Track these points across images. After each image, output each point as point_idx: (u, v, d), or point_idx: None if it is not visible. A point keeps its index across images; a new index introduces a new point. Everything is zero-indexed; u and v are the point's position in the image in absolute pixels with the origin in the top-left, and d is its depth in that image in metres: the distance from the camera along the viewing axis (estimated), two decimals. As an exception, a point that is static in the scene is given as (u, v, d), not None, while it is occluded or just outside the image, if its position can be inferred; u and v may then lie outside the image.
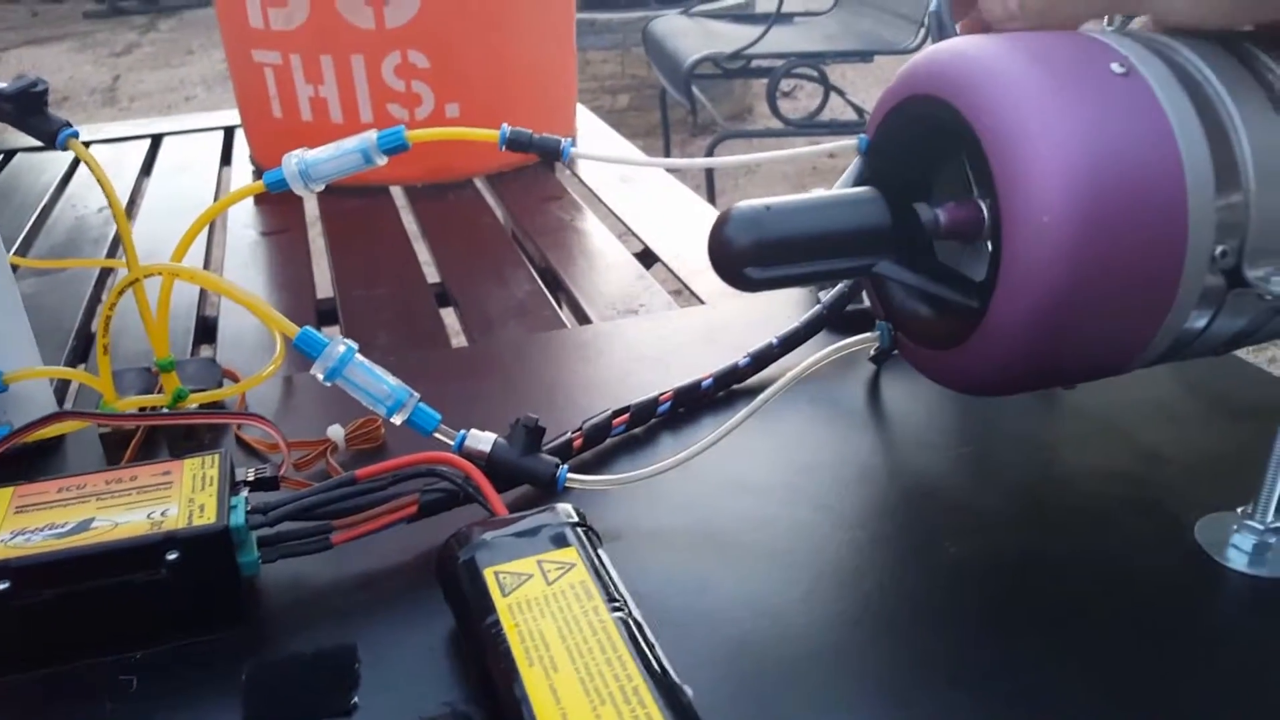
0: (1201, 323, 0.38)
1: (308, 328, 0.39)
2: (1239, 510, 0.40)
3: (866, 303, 0.56)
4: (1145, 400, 0.50)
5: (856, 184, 0.41)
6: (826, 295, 0.55)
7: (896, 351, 0.43)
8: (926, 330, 0.41)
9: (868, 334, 0.44)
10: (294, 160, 0.43)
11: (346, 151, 0.43)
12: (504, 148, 0.44)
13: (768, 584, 0.38)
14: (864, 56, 2.28)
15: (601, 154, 0.47)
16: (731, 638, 0.36)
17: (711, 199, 2.35)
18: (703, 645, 0.35)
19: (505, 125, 0.44)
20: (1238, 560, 0.39)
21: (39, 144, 0.46)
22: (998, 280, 0.35)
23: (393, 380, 0.40)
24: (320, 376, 0.39)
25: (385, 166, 0.45)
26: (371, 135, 0.43)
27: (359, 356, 0.40)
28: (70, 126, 0.46)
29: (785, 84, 2.54)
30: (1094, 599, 0.37)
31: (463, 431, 0.41)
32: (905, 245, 0.39)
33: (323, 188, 0.44)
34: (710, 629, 0.36)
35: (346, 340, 0.40)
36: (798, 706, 0.33)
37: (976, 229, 0.39)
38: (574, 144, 0.46)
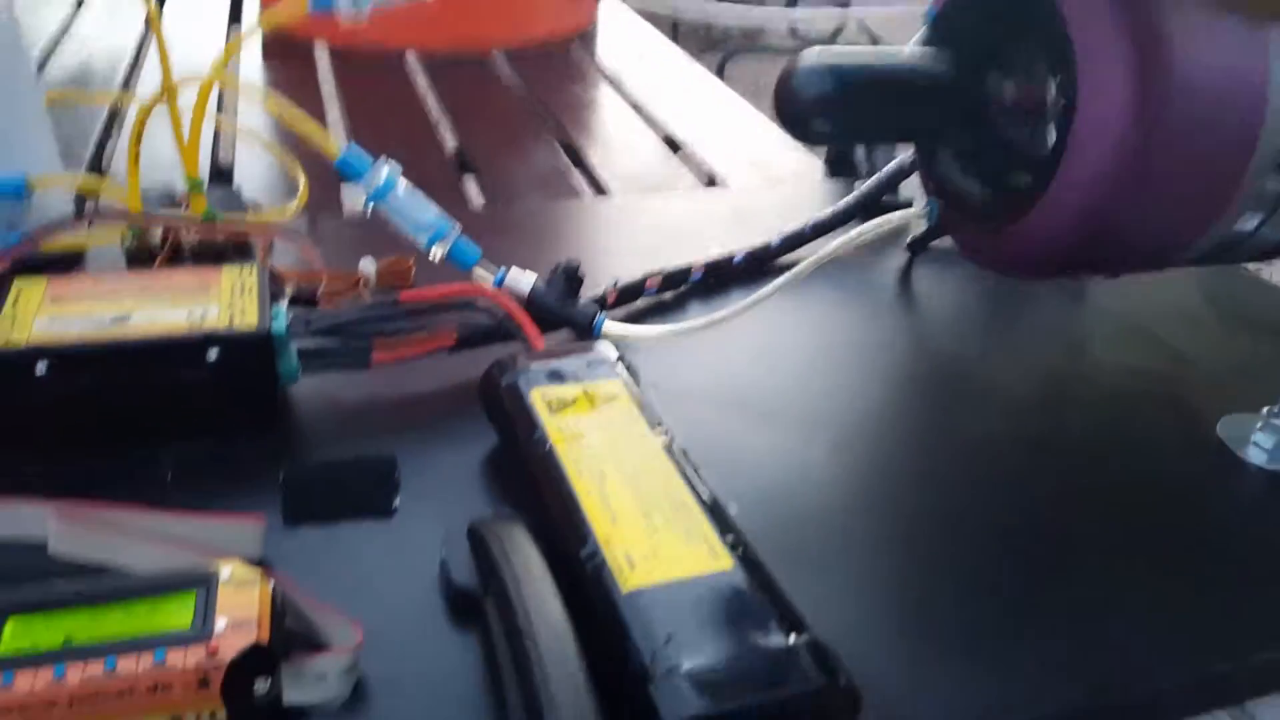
0: (1252, 225, 0.38)
1: (353, 144, 0.39)
2: (1264, 410, 0.40)
3: (901, 195, 0.56)
4: (1171, 306, 0.50)
5: (922, 52, 0.41)
6: (862, 187, 0.55)
7: (935, 240, 0.43)
8: (980, 207, 0.40)
9: (910, 209, 0.44)
10: (346, -21, 0.42)
11: (402, -28, 0.42)
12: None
13: (795, 440, 0.39)
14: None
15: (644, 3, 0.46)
16: (761, 482, 0.36)
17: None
18: (734, 486, 0.35)
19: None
20: (1258, 457, 0.39)
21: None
22: (1066, 153, 0.35)
23: (436, 209, 0.40)
24: (362, 200, 0.39)
25: (401, 32, 0.43)
26: (427, -42, 0.42)
27: (403, 181, 0.39)
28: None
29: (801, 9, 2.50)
30: (1114, 481, 0.38)
31: (503, 269, 0.41)
32: (970, 115, 0.39)
33: (368, 10, 0.42)
34: (741, 474, 0.36)
35: (391, 162, 0.39)
36: (824, 543, 0.34)
37: (1042, 106, 0.38)
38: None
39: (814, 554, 0.33)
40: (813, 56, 0.37)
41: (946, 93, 0.38)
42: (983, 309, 0.50)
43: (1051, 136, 0.38)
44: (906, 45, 0.41)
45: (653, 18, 1.12)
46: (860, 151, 0.62)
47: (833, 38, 2.30)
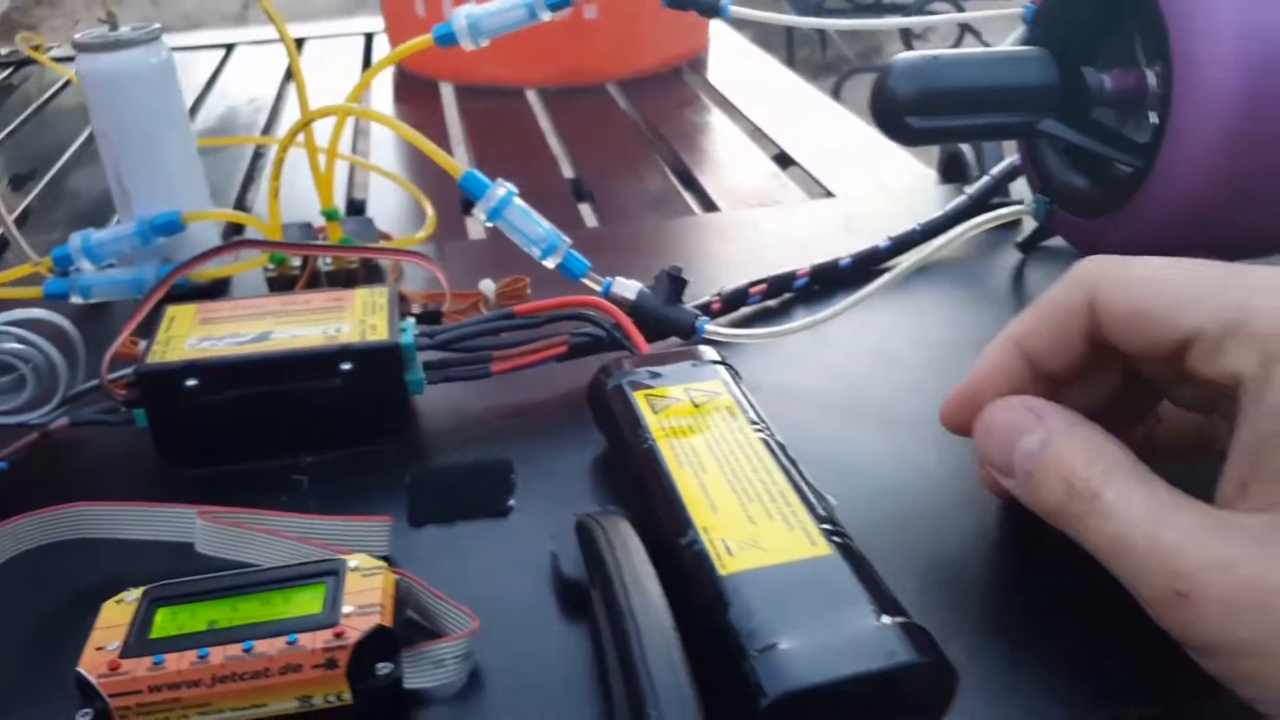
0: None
1: (472, 170, 0.41)
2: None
3: (1012, 195, 0.55)
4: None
5: (1020, 48, 0.41)
6: (972, 188, 0.54)
7: (1046, 239, 0.43)
8: (1084, 200, 0.40)
9: (1019, 206, 0.44)
10: (463, 14, 0.44)
11: (512, 5, 0.44)
12: (665, 4, 0.44)
13: (908, 441, 0.38)
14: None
15: (757, 16, 0.47)
16: (867, 479, 0.36)
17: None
18: (840, 483, 0.35)
19: (663, -22, 0.44)
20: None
21: (184, 44, 0.48)
22: (1166, 135, 0.34)
23: (547, 224, 0.42)
24: (482, 216, 0.41)
25: (520, 68, 0.45)
26: (538, -11, 0.44)
27: (518, 200, 0.41)
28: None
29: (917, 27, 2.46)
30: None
31: (609, 279, 0.43)
32: (1069, 108, 0.38)
33: (487, 42, 0.45)
34: (848, 472, 0.36)
35: (507, 183, 0.41)
36: (946, 545, 0.33)
37: (1140, 96, 0.38)
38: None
39: (922, 552, 0.33)
40: (910, 55, 0.37)
41: (1046, 90, 0.38)
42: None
43: (1151, 124, 0.38)
44: (1006, 44, 0.41)
45: (766, 42, 1.13)
46: (971, 156, 0.61)
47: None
